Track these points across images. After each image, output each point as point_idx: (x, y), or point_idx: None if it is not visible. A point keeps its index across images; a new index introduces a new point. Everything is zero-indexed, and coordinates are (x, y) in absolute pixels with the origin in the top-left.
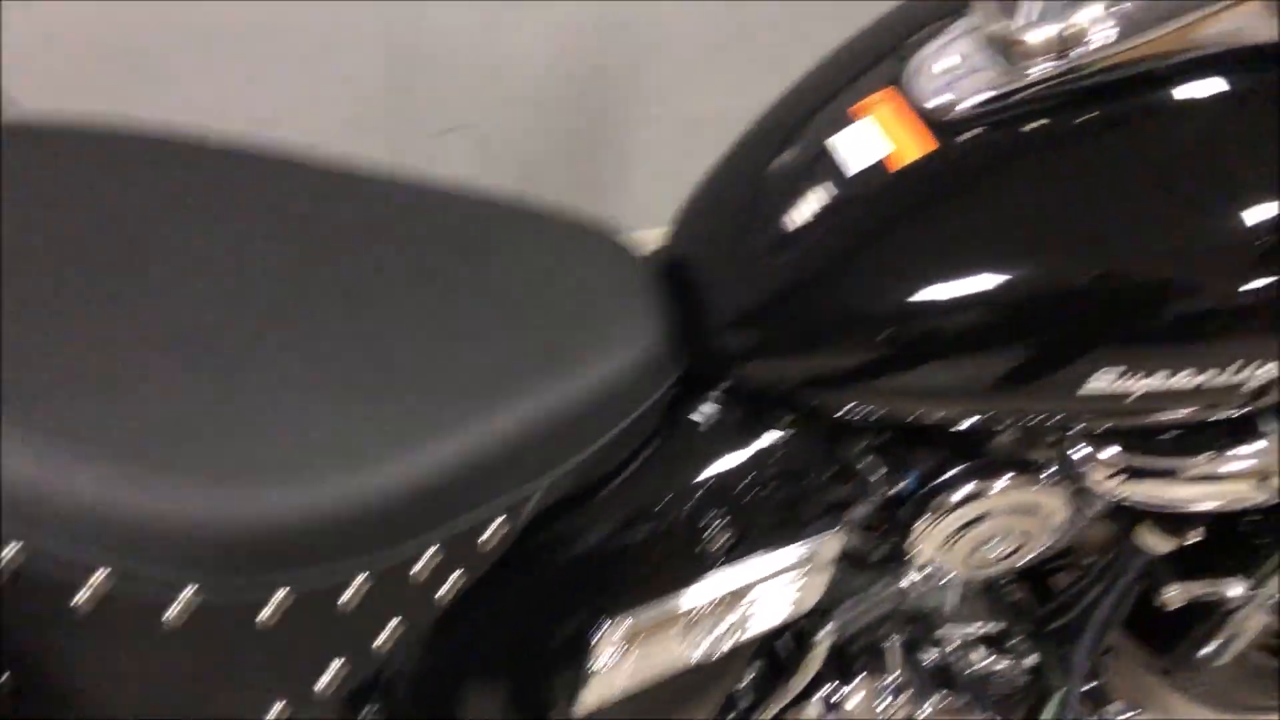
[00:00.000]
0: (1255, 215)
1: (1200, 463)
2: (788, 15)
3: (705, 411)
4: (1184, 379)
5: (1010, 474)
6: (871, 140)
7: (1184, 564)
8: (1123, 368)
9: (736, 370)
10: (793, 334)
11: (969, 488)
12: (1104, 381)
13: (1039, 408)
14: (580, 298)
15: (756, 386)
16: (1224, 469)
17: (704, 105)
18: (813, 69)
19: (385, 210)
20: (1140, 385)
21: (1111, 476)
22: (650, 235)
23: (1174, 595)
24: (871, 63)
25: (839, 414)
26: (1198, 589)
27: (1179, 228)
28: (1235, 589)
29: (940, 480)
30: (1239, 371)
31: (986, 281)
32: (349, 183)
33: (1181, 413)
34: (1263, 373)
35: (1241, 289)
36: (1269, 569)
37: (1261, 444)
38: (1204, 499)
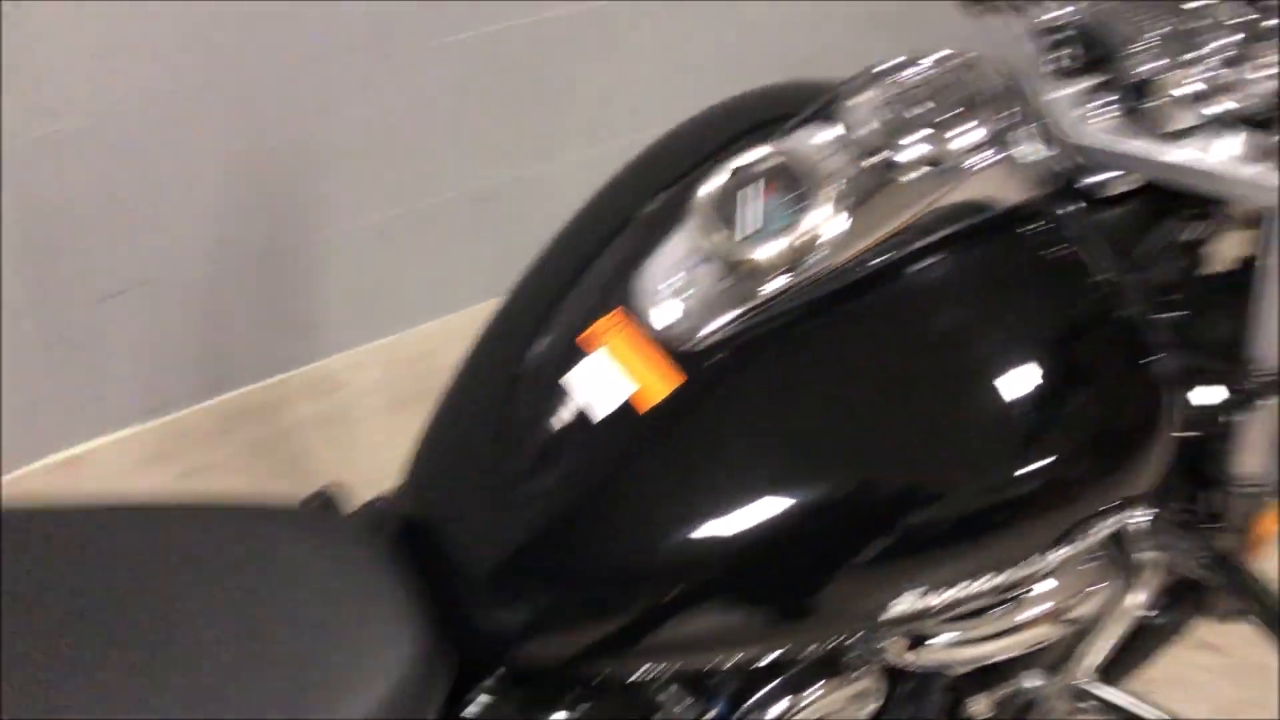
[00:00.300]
0: (1015, 393)
1: (997, 617)
2: (455, 119)
3: (483, 702)
4: (985, 582)
5: (820, 682)
6: (611, 378)
7: (983, 670)
8: (923, 588)
9: (509, 651)
10: (562, 603)
11: (783, 705)
12: (906, 603)
13: (844, 634)
14: (316, 614)
15: (533, 666)
16: (1021, 617)
17: (386, 212)
18: (526, 275)
19: (57, 557)
20: (943, 597)
21: (913, 648)
22: (354, 355)
23: (980, 708)
24: (590, 269)
25: (630, 679)
26: (1000, 692)
27: (948, 429)
28: (1034, 680)
29: (751, 701)
30: (1039, 561)
31: (762, 521)
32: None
33: (986, 600)
34: (1056, 556)
35: (1019, 474)
36: (1060, 655)
37: (1052, 583)
38: (1007, 650)
